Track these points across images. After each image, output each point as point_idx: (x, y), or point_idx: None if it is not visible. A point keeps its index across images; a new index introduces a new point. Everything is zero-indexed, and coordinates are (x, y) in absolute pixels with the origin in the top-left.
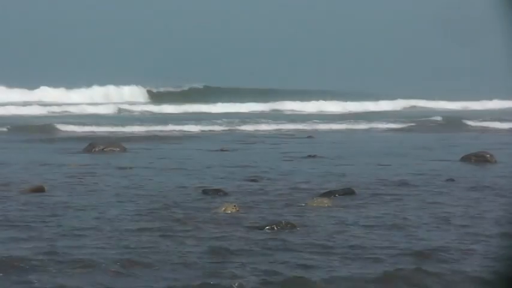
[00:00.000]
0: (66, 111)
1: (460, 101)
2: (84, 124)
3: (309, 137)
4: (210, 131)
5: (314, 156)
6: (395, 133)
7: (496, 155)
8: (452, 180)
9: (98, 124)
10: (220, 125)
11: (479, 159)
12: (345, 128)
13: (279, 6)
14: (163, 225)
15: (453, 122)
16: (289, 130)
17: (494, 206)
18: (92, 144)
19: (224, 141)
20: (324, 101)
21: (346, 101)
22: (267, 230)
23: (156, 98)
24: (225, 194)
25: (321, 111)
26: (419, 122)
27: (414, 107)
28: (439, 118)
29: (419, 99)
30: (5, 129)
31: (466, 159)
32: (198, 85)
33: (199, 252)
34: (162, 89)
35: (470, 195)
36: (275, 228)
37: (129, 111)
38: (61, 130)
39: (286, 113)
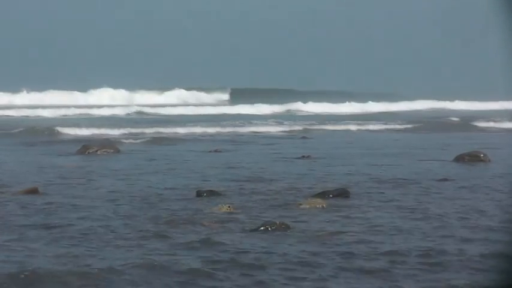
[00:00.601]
0: (81, 114)
1: (484, 101)
2: (88, 126)
3: (303, 137)
4: (212, 132)
5: (308, 157)
6: (398, 134)
7: (491, 154)
8: (446, 179)
9: (103, 127)
10: (223, 126)
11: (473, 158)
12: (347, 129)
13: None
14: (157, 226)
15: (464, 122)
16: (293, 131)
17: (487, 205)
18: (86, 146)
19: (221, 142)
20: (340, 103)
21: (364, 102)
22: (261, 231)
23: (178, 100)
24: (219, 194)
25: (335, 112)
26: (428, 122)
27: (433, 108)
28: (456, 119)
29: (442, 101)
30: (16, 131)
31: (459, 159)
32: (225, 86)
33: (192, 255)
34: (184, 91)
35: (464, 194)
36: (269, 228)
37: (142, 113)
38: (63, 133)
39: (300, 114)
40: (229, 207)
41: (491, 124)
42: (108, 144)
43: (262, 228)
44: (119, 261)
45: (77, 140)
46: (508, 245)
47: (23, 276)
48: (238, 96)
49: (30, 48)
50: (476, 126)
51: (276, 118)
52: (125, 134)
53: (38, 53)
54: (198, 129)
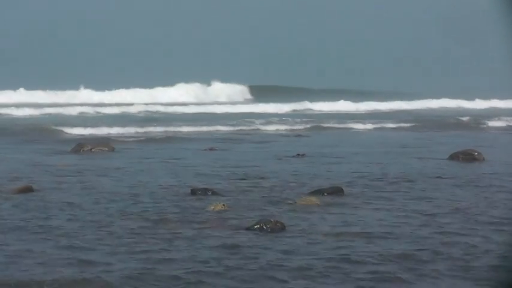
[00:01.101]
0: (86, 113)
1: (499, 99)
2: (91, 125)
3: (298, 135)
4: (212, 131)
5: (303, 155)
6: (399, 132)
7: (487, 152)
8: (440, 177)
9: (105, 125)
10: (223, 125)
11: (467, 157)
12: (350, 127)
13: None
14: (151, 225)
15: (469, 121)
16: (295, 130)
17: (481, 203)
18: (80, 145)
19: (219, 140)
20: (352, 102)
21: (377, 101)
22: (256, 229)
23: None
24: (214, 193)
25: (345, 111)
26: (432, 121)
27: (443, 107)
28: (462, 118)
29: (455, 99)
30: (15, 129)
31: (454, 157)
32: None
33: (187, 253)
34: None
35: (457, 192)
36: (264, 227)
37: (150, 112)
38: (63, 132)
39: (309, 113)
40: (223, 205)
41: (495, 123)
42: (103, 143)
43: (257, 226)
44: (113, 261)
45: (76, 139)
46: (503, 244)
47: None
48: (256, 93)
49: (33, 47)
50: (479, 125)
51: (285, 116)
52: (126, 132)
53: (44, 51)
54: (198, 128)
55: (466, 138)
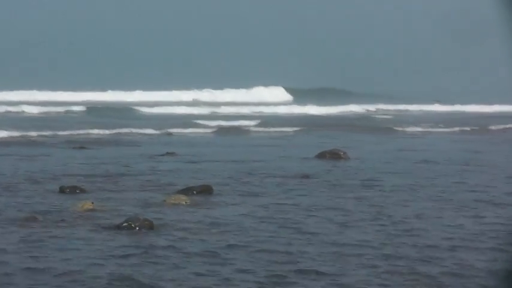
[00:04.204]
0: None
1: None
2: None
3: (169, 134)
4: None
5: (173, 154)
6: (286, 134)
7: (357, 152)
8: (307, 176)
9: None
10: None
11: (333, 156)
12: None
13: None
14: (16, 222)
15: (384, 124)
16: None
17: (339, 201)
18: None
19: (95, 142)
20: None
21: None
22: (124, 228)
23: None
24: (83, 191)
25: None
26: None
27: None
28: (384, 122)
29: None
30: None
31: (321, 156)
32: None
33: (47, 257)
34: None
35: (320, 189)
36: (133, 225)
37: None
38: None
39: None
40: (92, 203)
41: (413, 128)
42: None
43: (125, 224)
44: None
45: None
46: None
47: None
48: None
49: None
50: (391, 128)
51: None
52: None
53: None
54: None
55: (350, 140)
